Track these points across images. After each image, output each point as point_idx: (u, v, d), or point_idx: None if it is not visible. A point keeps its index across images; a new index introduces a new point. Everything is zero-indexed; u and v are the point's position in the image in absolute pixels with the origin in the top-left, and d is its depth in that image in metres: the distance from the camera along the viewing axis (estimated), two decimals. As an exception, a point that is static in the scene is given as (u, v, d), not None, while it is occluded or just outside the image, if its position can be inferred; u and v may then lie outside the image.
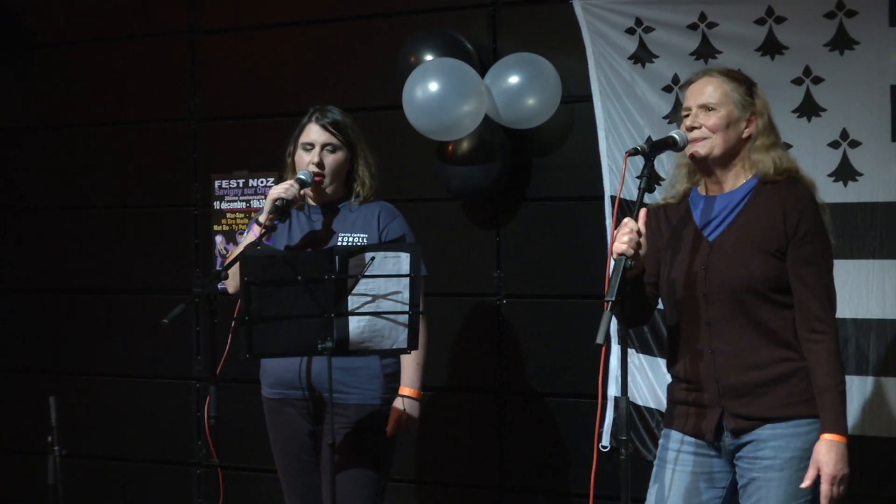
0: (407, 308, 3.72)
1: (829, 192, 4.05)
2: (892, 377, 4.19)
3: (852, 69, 4.19)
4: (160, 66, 5.77)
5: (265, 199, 4.00)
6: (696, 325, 3.40)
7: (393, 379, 4.06)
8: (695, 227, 3.45)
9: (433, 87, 4.65)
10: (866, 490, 4.28)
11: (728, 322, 3.35)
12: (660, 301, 3.58)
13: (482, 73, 4.83)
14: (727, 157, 3.42)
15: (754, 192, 3.40)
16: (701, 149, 3.40)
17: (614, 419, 4.74)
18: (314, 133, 4.06)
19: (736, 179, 3.44)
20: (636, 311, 3.49)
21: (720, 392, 3.36)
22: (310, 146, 4.06)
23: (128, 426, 5.85)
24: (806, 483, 3.26)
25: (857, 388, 4.18)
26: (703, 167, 3.46)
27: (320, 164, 4.03)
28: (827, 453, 3.25)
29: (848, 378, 3.37)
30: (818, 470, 3.25)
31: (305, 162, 4.04)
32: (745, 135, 3.42)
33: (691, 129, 3.40)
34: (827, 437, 3.27)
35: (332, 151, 4.06)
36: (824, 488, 3.25)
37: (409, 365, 4.05)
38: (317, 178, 4.03)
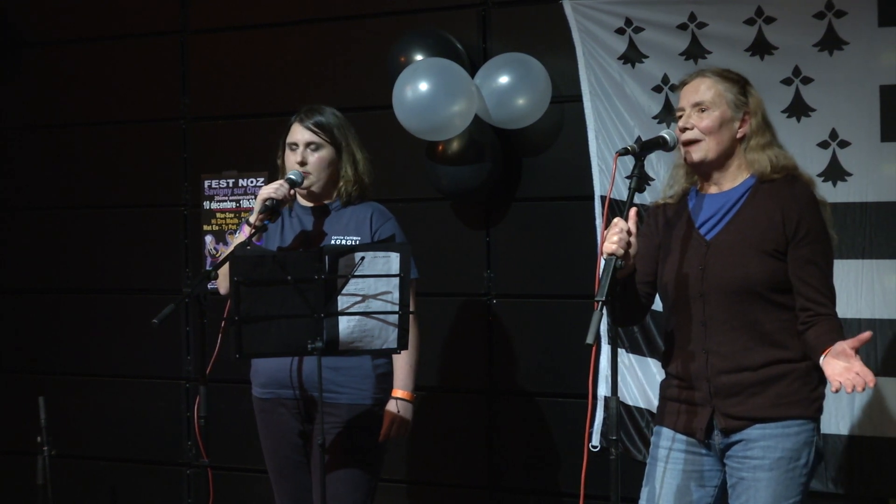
0: (397, 308, 3.71)
1: (820, 193, 4.06)
2: (883, 377, 4.20)
3: (842, 69, 4.20)
4: (150, 66, 5.76)
5: (255, 199, 4.00)
6: (691, 324, 3.40)
7: (385, 379, 4.05)
8: (692, 225, 3.45)
9: (423, 86, 4.64)
10: (856, 488, 4.29)
11: (724, 323, 3.35)
12: (654, 301, 3.58)
13: (472, 73, 4.83)
14: (722, 159, 3.42)
15: (752, 190, 3.40)
16: (695, 154, 3.40)
17: (604, 419, 4.75)
18: (298, 133, 4.07)
19: (733, 179, 3.44)
20: (628, 311, 3.49)
21: (711, 391, 3.37)
22: (294, 146, 4.07)
23: (117, 426, 5.84)
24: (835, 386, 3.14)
25: (848, 388, 4.19)
26: (700, 170, 3.46)
27: (303, 163, 4.04)
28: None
29: (839, 378, 3.37)
30: (846, 354, 3.15)
31: (292, 162, 4.05)
32: (739, 135, 3.42)
33: (684, 129, 3.40)
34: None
35: (316, 150, 4.06)
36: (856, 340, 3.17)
37: (402, 367, 4.05)
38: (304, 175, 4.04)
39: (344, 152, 4.10)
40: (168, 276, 5.69)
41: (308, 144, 4.06)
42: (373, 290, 3.69)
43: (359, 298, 3.69)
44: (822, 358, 3.23)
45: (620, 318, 3.51)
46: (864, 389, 3.11)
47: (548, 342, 4.99)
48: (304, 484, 4.07)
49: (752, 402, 3.33)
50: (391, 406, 4.03)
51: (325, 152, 4.07)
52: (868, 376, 3.11)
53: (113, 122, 5.85)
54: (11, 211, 6.09)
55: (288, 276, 3.64)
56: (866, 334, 3.17)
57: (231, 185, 5.56)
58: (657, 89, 4.54)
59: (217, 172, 5.59)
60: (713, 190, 3.46)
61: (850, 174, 4.23)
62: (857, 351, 3.16)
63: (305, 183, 4.04)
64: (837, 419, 4.25)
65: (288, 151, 4.09)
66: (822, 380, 3.39)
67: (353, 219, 4.07)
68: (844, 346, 3.18)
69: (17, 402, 5.96)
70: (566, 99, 4.87)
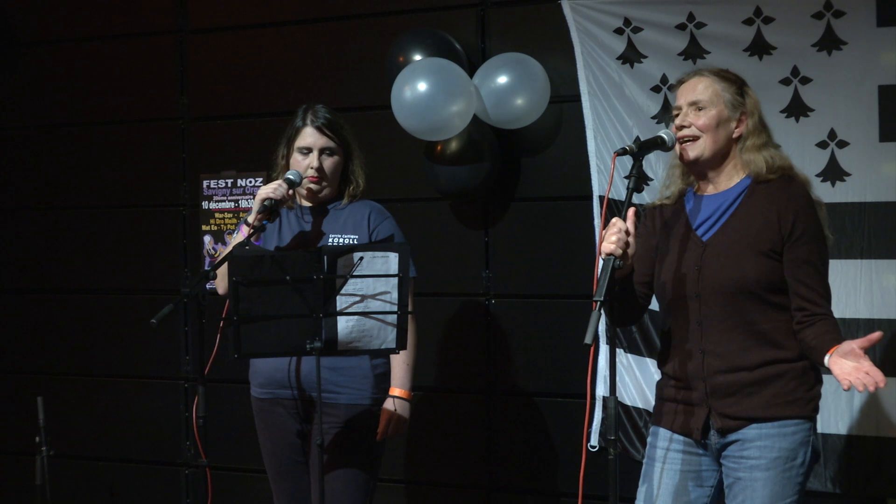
0: (395, 308, 3.71)
1: (817, 193, 4.06)
2: (880, 377, 4.20)
3: (840, 69, 4.21)
4: (148, 65, 5.76)
5: (254, 198, 4.00)
6: (687, 324, 3.40)
7: (383, 379, 4.05)
8: (688, 226, 3.45)
9: (422, 86, 4.65)
10: (855, 488, 4.29)
11: (720, 323, 3.35)
12: (651, 301, 3.59)
13: (471, 73, 4.83)
14: (718, 158, 3.42)
15: (748, 191, 3.40)
16: (691, 151, 3.40)
17: (602, 419, 4.75)
18: (310, 137, 4.04)
19: (729, 179, 3.44)
20: (625, 311, 3.49)
21: (708, 391, 3.37)
22: (307, 150, 4.04)
23: (116, 426, 5.84)
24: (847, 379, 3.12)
25: (846, 388, 4.20)
26: (695, 169, 3.46)
27: (320, 170, 4.02)
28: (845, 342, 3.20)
29: (837, 378, 3.37)
30: (855, 354, 3.14)
31: (303, 167, 4.02)
32: (735, 135, 3.43)
33: (681, 127, 3.40)
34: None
35: (330, 155, 4.05)
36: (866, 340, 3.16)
37: (399, 366, 4.05)
38: (313, 179, 4.02)
39: (353, 152, 4.10)
40: (167, 276, 5.69)
41: (323, 150, 4.03)
42: (371, 290, 3.69)
43: (357, 298, 3.69)
44: (827, 357, 3.22)
45: (618, 318, 3.51)
46: (875, 389, 3.10)
47: (546, 342, 4.99)
48: (303, 484, 4.07)
49: (748, 401, 3.33)
50: (388, 404, 4.03)
51: (338, 157, 4.07)
52: (878, 376, 3.10)
53: (111, 121, 5.85)
54: (11, 211, 6.09)
55: (286, 276, 3.64)
56: (876, 335, 3.16)
57: (230, 184, 5.56)
58: (656, 89, 4.54)
59: (216, 172, 5.59)
60: (710, 190, 3.46)
61: (848, 174, 4.23)
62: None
63: (321, 192, 4.02)
64: (837, 419, 4.25)
65: (297, 155, 4.05)
66: (818, 379, 3.40)
67: (350, 217, 4.07)
68: (853, 345, 3.17)
69: (16, 402, 5.96)
70: (565, 99, 4.88)
